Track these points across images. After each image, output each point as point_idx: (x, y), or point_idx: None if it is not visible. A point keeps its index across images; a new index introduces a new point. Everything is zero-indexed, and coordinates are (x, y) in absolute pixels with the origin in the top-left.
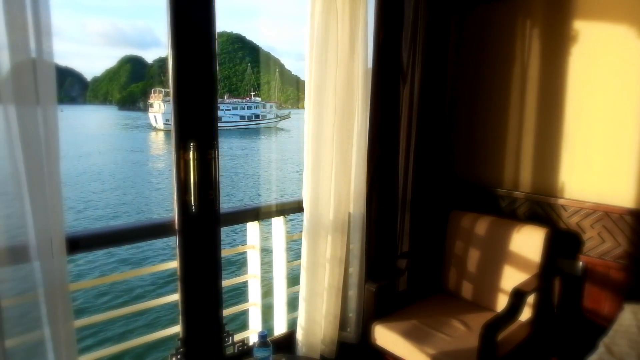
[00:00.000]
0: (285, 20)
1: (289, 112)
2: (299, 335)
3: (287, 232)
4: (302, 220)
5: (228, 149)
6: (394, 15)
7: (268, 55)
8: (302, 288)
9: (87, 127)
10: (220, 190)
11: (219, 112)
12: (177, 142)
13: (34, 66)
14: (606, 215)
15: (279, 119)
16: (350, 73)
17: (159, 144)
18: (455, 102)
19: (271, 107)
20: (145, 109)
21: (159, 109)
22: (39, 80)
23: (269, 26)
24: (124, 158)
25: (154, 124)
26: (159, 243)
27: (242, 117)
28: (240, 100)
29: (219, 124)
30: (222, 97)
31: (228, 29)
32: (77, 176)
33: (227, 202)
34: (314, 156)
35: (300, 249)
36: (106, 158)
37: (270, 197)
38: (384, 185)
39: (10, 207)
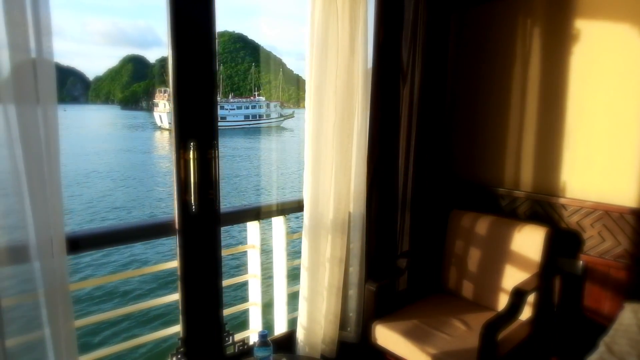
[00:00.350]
0: (286, 19)
1: (293, 112)
2: (300, 334)
3: (289, 228)
4: (302, 219)
5: (234, 149)
6: (394, 15)
7: (270, 55)
8: (303, 287)
9: (94, 126)
10: (221, 189)
11: (224, 112)
12: (177, 142)
13: (34, 65)
14: (606, 214)
15: (282, 119)
16: (351, 73)
17: (165, 143)
18: (456, 102)
19: (275, 106)
20: (148, 108)
21: (164, 109)
22: (39, 80)
23: (270, 25)
24: (131, 157)
25: (159, 123)
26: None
27: (246, 117)
28: (244, 100)
29: (224, 123)
30: (227, 97)
31: (230, 29)
32: (87, 175)
33: (230, 201)
34: (315, 156)
35: (299, 248)
36: (114, 157)
37: (279, 196)
38: (384, 184)
39: (10, 207)
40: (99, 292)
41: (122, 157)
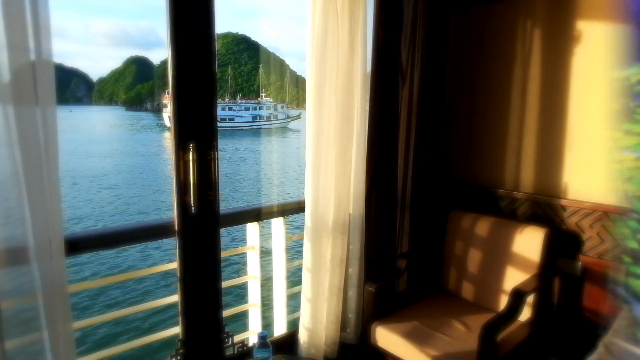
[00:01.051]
0: (287, 19)
1: (300, 113)
2: (303, 335)
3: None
4: (297, 222)
5: (243, 150)
6: (393, 16)
7: (273, 56)
8: (306, 288)
9: (101, 126)
10: (222, 189)
11: (232, 113)
12: (176, 143)
13: (33, 66)
14: (605, 215)
15: (289, 120)
16: (350, 73)
17: None
18: (455, 102)
19: (282, 107)
20: (153, 109)
21: None
22: (38, 81)
23: (272, 26)
24: (142, 156)
25: (167, 124)
26: None
27: (254, 118)
28: (252, 101)
29: (232, 124)
30: (235, 98)
31: (233, 30)
32: (103, 175)
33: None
34: (315, 156)
35: (295, 249)
36: (125, 156)
37: (288, 195)
38: (384, 185)
39: (9, 208)
40: None
41: (136, 158)
